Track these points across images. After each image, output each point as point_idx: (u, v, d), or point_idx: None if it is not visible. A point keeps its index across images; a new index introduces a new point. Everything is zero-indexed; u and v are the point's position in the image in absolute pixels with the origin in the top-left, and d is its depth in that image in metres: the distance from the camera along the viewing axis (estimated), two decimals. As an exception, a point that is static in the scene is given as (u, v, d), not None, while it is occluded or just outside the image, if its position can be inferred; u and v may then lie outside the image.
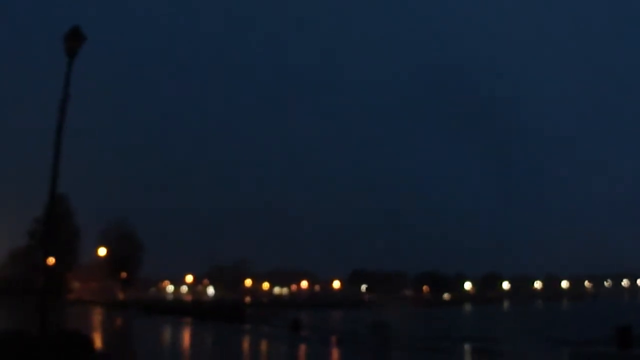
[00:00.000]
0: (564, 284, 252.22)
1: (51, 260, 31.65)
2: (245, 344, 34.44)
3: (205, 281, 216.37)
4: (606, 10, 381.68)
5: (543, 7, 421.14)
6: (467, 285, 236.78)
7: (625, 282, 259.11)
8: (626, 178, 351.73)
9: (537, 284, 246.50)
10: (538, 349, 32.48)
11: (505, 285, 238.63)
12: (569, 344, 35.10)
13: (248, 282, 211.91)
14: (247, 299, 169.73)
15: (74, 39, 16.05)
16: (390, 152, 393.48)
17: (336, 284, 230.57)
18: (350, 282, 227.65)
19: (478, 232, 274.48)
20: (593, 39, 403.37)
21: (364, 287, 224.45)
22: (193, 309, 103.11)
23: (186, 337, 38.02)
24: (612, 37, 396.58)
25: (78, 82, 16.83)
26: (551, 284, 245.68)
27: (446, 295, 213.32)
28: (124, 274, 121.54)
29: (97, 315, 60.12)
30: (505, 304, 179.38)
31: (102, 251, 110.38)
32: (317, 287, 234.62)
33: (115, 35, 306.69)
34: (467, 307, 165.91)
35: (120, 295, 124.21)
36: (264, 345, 33.78)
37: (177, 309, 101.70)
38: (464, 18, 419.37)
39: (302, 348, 32.52)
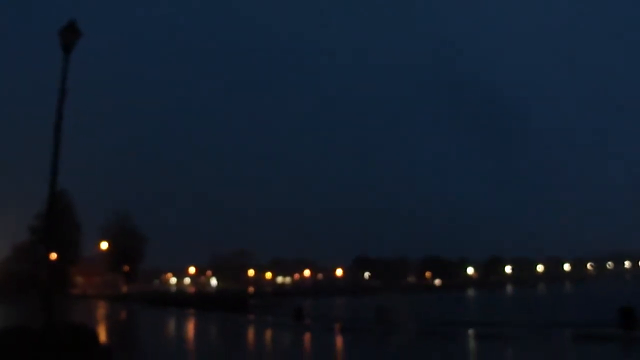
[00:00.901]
0: (566, 266, 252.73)
1: (53, 255, 31.70)
2: (250, 334, 34.49)
3: (208, 272, 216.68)
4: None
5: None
6: (470, 270, 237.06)
7: (627, 264, 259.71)
8: (626, 161, 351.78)
9: (540, 267, 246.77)
10: (542, 332, 32.52)
11: (508, 269, 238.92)
12: (572, 326, 35.14)
13: (251, 272, 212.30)
14: (250, 289, 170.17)
15: (70, 33, 16.00)
16: (392, 141, 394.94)
17: (339, 272, 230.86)
18: (353, 270, 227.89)
19: (480, 216, 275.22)
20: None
21: (366, 274, 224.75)
22: (196, 301, 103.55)
23: (190, 328, 38.07)
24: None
25: (77, 76, 16.84)
26: (553, 266, 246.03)
27: (437, 281, 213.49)
28: (126, 267, 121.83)
29: (101, 309, 60.21)
30: (508, 288, 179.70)
31: (104, 245, 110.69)
32: (319, 276, 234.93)
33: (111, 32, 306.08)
34: (470, 292, 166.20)
35: (124, 289, 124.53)
36: (268, 334, 33.84)
37: (180, 300, 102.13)
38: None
39: (307, 336, 32.56)
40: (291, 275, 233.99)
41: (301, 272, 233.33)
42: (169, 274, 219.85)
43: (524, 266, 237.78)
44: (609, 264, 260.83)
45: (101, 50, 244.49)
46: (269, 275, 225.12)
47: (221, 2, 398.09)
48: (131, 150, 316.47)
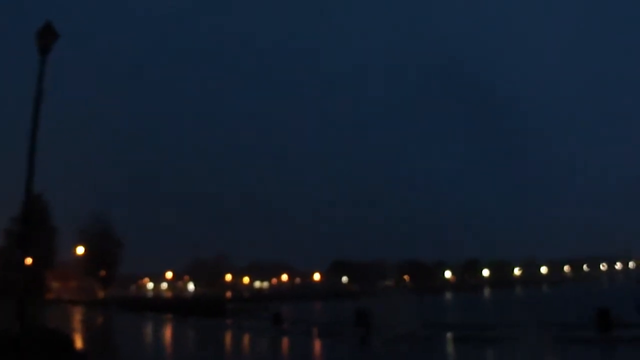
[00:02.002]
0: (543, 269, 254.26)
1: (29, 260, 31.30)
2: (228, 339, 34.29)
3: (186, 277, 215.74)
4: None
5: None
6: (448, 274, 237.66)
7: (603, 266, 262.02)
8: (601, 165, 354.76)
9: (517, 270, 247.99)
10: (521, 334, 32.63)
11: (485, 272, 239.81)
12: (551, 328, 35.31)
13: (228, 277, 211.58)
14: (228, 293, 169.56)
15: (47, 35, 15.81)
16: (369, 144, 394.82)
17: (316, 276, 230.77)
18: (331, 274, 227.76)
19: (457, 219, 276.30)
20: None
21: (344, 278, 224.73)
22: (174, 306, 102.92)
23: (168, 333, 37.79)
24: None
25: (53, 79, 16.63)
26: (530, 269, 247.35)
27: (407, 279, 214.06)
28: (103, 272, 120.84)
29: (77, 314, 59.64)
30: (486, 291, 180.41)
31: (80, 249, 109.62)
32: (297, 280, 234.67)
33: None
34: (448, 295, 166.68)
35: (100, 294, 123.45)
36: (246, 339, 33.64)
37: (157, 305, 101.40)
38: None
39: (285, 340, 32.44)
40: (269, 279, 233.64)
41: (279, 276, 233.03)
42: (146, 279, 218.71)
43: (501, 269, 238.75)
44: (585, 267, 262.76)
45: (72, 52, 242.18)
46: (246, 279, 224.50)
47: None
48: (107, 154, 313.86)
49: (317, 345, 30.49)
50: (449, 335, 33.18)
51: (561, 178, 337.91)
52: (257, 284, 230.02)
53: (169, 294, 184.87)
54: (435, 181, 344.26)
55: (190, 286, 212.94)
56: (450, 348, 28.50)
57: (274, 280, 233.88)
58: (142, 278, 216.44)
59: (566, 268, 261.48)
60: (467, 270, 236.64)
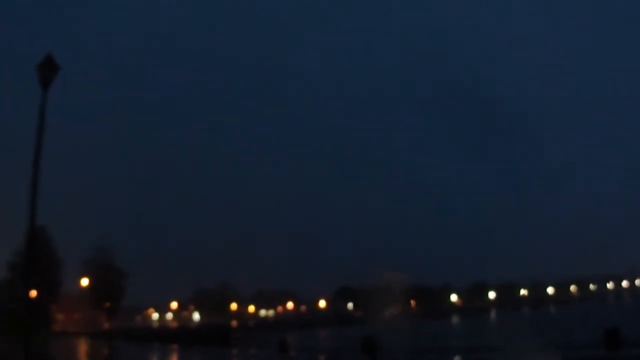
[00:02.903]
0: (550, 289, 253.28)
1: (33, 293, 31.29)
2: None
3: (191, 307, 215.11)
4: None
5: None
6: (454, 297, 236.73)
7: (610, 285, 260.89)
8: (606, 181, 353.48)
9: (523, 291, 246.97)
10: (529, 356, 32.41)
11: (492, 294, 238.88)
12: (559, 349, 35.09)
13: (233, 306, 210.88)
14: (234, 322, 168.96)
15: (48, 68, 15.88)
16: (367, 164, 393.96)
17: (322, 303, 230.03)
18: (336, 300, 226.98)
19: (462, 241, 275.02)
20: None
21: (350, 305, 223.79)
22: (179, 335, 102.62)
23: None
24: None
25: (55, 110, 16.67)
26: (537, 290, 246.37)
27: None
28: (107, 304, 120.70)
29: (82, 346, 59.39)
30: (493, 313, 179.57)
31: (84, 281, 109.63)
32: (303, 308, 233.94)
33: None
34: (455, 319, 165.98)
35: (105, 325, 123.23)
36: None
37: (163, 336, 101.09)
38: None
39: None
40: (274, 307, 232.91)
41: (284, 304, 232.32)
42: (151, 310, 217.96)
43: (507, 291, 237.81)
44: (592, 286, 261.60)
45: (74, 81, 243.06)
46: (252, 308, 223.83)
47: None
48: (112, 184, 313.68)
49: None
50: (456, 358, 32.98)
51: (565, 196, 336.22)
52: (263, 312, 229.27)
53: (174, 324, 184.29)
54: (438, 205, 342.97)
55: (196, 316, 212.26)
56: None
57: (280, 309, 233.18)
58: (147, 309, 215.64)
59: (573, 288, 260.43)
60: (474, 293, 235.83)
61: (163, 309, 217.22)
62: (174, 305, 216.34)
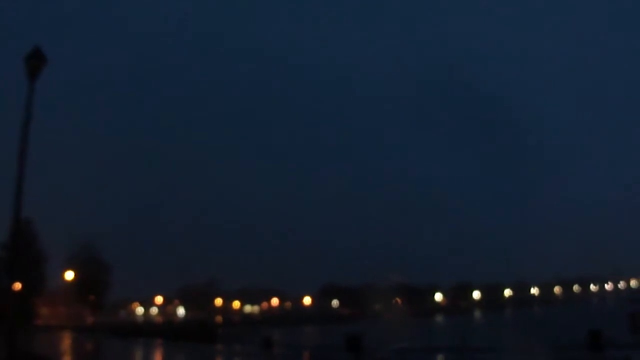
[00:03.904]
0: (534, 290, 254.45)
1: (17, 286, 31.10)
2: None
3: (176, 302, 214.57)
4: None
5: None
6: (438, 297, 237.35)
7: (593, 287, 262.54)
8: (593, 182, 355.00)
9: (507, 292, 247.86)
10: (513, 356, 32.58)
11: (476, 294, 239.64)
12: (544, 350, 35.26)
13: (218, 302, 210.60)
14: (218, 318, 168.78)
15: (35, 60, 15.77)
16: (355, 162, 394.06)
17: (307, 300, 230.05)
18: (321, 298, 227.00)
19: (447, 241, 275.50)
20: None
21: (335, 302, 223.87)
22: (164, 331, 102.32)
23: (157, 359, 37.50)
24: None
25: (41, 102, 16.53)
26: (521, 291, 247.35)
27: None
28: (92, 298, 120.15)
29: (66, 340, 59.17)
30: (477, 314, 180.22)
31: (69, 275, 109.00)
32: (287, 304, 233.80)
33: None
34: (439, 318, 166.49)
35: (90, 319, 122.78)
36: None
37: (147, 331, 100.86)
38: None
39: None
40: (259, 304, 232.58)
41: (269, 300, 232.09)
42: (136, 304, 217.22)
43: (492, 291, 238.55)
44: (576, 287, 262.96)
45: (63, 75, 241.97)
46: (236, 304, 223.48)
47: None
48: (97, 178, 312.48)
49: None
50: (439, 358, 33.07)
51: (549, 198, 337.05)
52: (248, 308, 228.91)
53: (159, 319, 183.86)
54: (424, 203, 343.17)
55: (181, 311, 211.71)
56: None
57: (265, 305, 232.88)
58: (131, 303, 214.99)
59: (556, 289, 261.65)
60: (458, 292, 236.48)
61: (148, 304, 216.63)
62: (159, 300, 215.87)
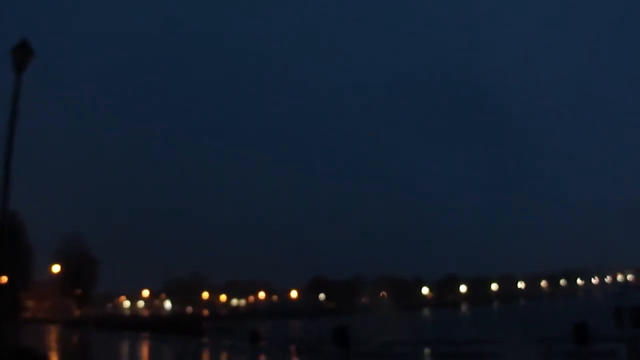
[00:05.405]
0: (520, 284, 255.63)
1: (4, 279, 30.96)
2: (205, 358, 34.03)
3: (162, 295, 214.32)
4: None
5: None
6: (425, 290, 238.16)
7: (579, 281, 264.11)
8: (578, 178, 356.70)
9: (494, 286, 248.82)
10: (499, 349, 32.70)
11: (463, 288, 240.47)
12: (529, 343, 35.46)
13: (205, 295, 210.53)
14: (205, 311, 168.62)
15: (22, 53, 15.65)
16: (342, 158, 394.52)
17: (294, 294, 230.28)
18: (308, 291, 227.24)
19: (434, 235, 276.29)
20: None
21: (322, 296, 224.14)
22: (151, 324, 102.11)
23: (144, 352, 37.40)
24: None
25: (28, 94, 16.44)
26: (508, 284, 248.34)
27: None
28: (79, 291, 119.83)
29: (52, 333, 58.89)
30: (463, 307, 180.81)
31: (56, 268, 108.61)
32: (274, 298, 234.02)
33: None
34: (426, 311, 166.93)
35: (76, 313, 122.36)
36: (223, 358, 33.42)
37: (134, 324, 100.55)
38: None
39: (262, 358, 32.24)
40: (246, 297, 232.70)
41: (256, 294, 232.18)
42: (122, 297, 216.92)
43: (478, 285, 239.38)
44: (562, 281, 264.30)
45: (52, 68, 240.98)
46: (223, 297, 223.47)
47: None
48: (84, 172, 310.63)
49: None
50: (426, 351, 33.13)
51: (536, 193, 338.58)
52: (234, 301, 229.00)
53: (145, 313, 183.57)
54: (411, 197, 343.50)
55: (167, 304, 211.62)
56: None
57: (251, 298, 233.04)
58: (118, 296, 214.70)
59: (543, 283, 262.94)
60: (445, 286, 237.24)
61: (135, 297, 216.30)
62: (146, 293, 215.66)
